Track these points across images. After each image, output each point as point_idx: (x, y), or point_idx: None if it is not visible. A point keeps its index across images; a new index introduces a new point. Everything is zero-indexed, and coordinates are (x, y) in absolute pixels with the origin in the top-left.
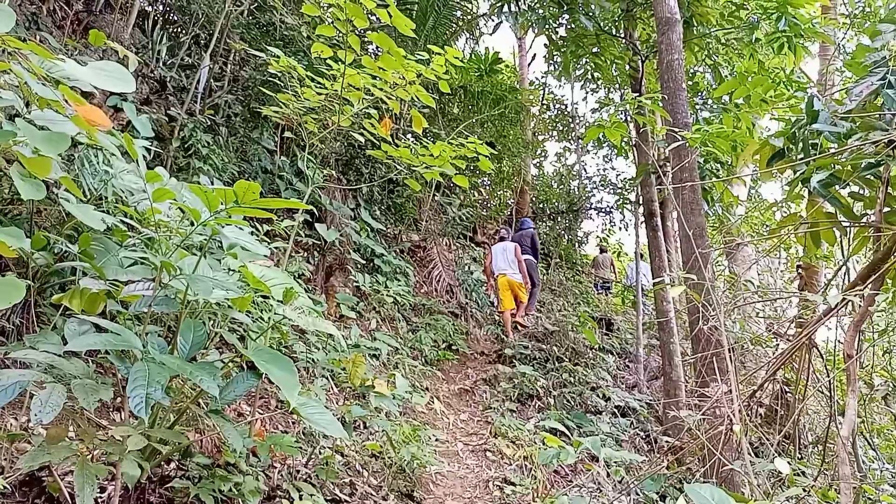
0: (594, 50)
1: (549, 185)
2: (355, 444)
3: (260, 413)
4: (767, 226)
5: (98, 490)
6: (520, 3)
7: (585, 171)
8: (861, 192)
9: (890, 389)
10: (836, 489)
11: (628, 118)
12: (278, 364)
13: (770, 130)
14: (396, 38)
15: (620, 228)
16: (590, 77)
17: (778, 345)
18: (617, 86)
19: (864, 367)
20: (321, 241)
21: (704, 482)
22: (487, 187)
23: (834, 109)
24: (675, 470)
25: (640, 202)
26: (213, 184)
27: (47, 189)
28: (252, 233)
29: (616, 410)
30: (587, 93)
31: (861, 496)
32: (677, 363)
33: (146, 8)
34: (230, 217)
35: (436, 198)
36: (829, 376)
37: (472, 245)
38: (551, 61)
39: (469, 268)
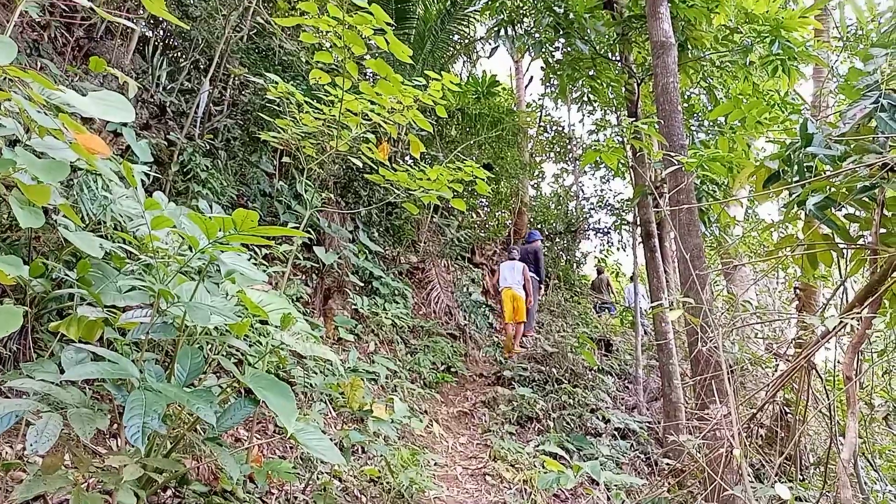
0: (590, 73)
1: (547, 206)
2: (353, 470)
3: (257, 438)
4: (765, 246)
5: None
6: (516, 28)
7: (583, 191)
8: (857, 213)
9: (890, 410)
10: None
11: (625, 141)
12: (276, 390)
13: (766, 151)
14: (394, 63)
15: (618, 249)
16: (586, 99)
17: (777, 365)
18: (613, 108)
19: (863, 388)
20: (319, 264)
21: None
22: (485, 209)
23: (828, 132)
24: (676, 493)
25: (638, 223)
26: (211, 207)
27: (46, 214)
28: (250, 257)
29: (616, 433)
30: (584, 114)
31: None
32: (676, 384)
33: (147, 33)
34: (228, 244)
35: (434, 219)
36: (828, 398)
37: (471, 266)
38: (548, 83)
39: (467, 289)
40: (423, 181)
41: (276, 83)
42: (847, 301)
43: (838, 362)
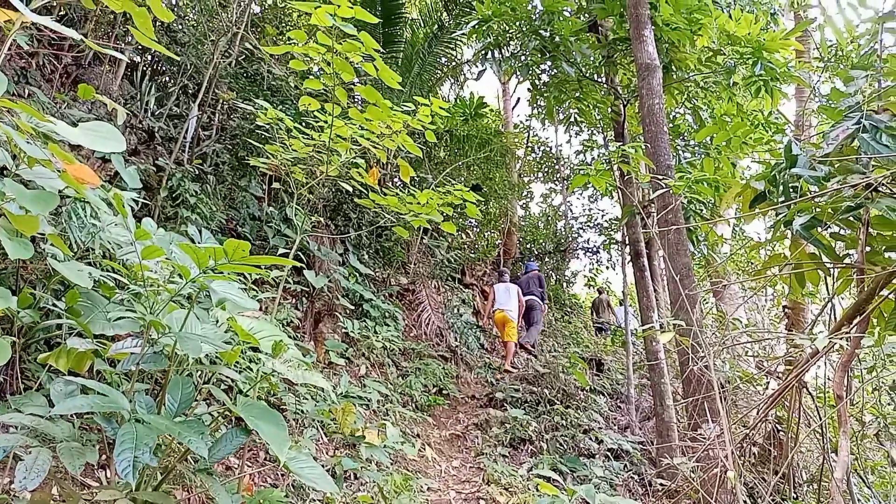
0: (577, 95)
1: (536, 226)
2: (346, 497)
3: (248, 466)
4: (753, 264)
5: None
6: (503, 51)
7: (571, 211)
8: (843, 231)
9: (881, 427)
10: None
11: (612, 163)
12: (267, 419)
13: (751, 170)
14: (382, 86)
15: (608, 268)
16: (573, 120)
17: (768, 383)
18: (600, 128)
19: (854, 405)
20: (310, 288)
21: None
22: (475, 229)
23: (812, 153)
24: None
25: (627, 242)
26: (201, 233)
27: (34, 242)
28: (240, 284)
29: (609, 453)
30: (571, 135)
31: None
32: (669, 404)
33: (135, 59)
34: (220, 273)
35: (424, 241)
36: (820, 417)
37: (461, 287)
38: (535, 105)
39: (458, 310)
40: (413, 205)
41: (266, 110)
42: (835, 319)
43: (828, 379)
